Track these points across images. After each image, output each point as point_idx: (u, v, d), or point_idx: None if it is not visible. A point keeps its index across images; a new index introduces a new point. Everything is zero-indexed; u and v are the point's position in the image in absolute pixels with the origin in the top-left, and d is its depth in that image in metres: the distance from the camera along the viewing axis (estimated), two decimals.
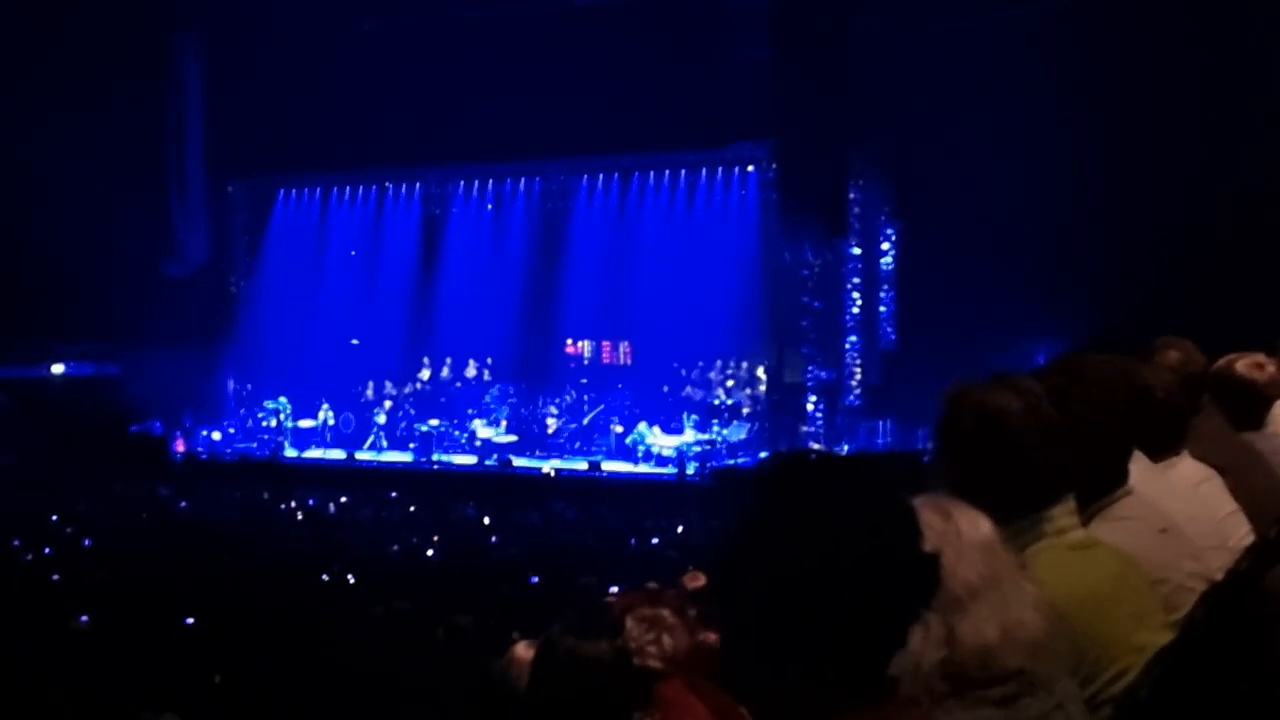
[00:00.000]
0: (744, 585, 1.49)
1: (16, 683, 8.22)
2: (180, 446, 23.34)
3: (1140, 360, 3.48)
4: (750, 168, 23.37)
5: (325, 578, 12.61)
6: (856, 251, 22.76)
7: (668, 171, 24.23)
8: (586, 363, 25.98)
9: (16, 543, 14.52)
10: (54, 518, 16.21)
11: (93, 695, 7.88)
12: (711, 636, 3.77)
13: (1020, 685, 1.83)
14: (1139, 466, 2.85)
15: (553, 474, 21.18)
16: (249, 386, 25.19)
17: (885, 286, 22.83)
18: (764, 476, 1.63)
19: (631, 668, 3.44)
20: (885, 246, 22.80)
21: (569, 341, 26.13)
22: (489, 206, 26.37)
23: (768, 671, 1.49)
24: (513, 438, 23.32)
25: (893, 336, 22.79)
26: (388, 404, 25.31)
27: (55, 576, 12.57)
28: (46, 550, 14.23)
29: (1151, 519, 2.68)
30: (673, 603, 3.67)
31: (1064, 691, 1.89)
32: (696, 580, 4.18)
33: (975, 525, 1.91)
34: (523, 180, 25.33)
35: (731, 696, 2.27)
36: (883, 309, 22.87)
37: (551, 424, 23.70)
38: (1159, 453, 3.19)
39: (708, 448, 22.11)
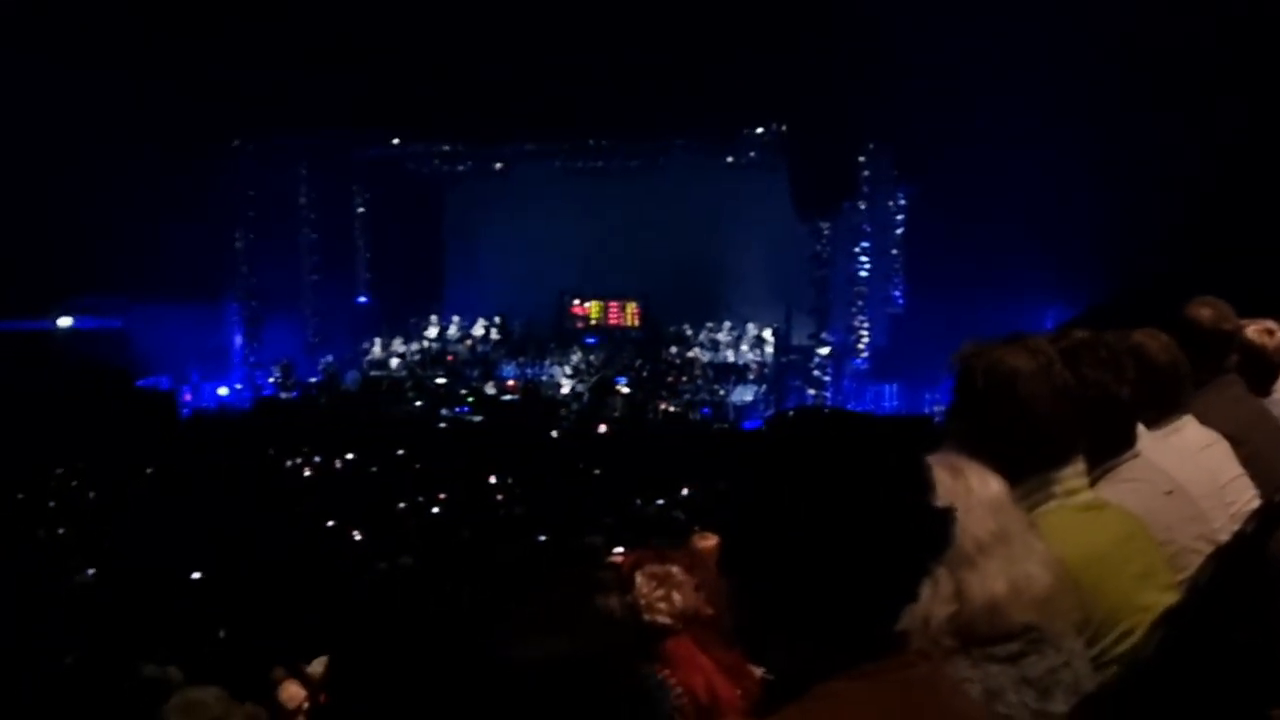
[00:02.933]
0: (756, 540, 1.49)
1: (24, 635, 8.27)
2: (187, 400, 23.39)
3: (1172, 316, 3.48)
4: (760, 130, 23.24)
5: (331, 533, 12.67)
6: (865, 216, 22.75)
7: (679, 139, 24.04)
8: (594, 323, 26.03)
9: (21, 496, 14.58)
10: (59, 470, 16.26)
11: (97, 647, 7.91)
12: (707, 600, 3.79)
13: (1028, 642, 1.82)
14: (1143, 431, 2.85)
15: (557, 434, 21.18)
16: (255, 343, 25.19)
17: (893, 251, 22.82)
18: (777, 432, 1.62)
19: (640, 623, 3.44)
20: (894, 211, 22.77)
21: (576, 302, 26.19)
22: (497, 166, 26.30)
23: (780, 626, 1.48)
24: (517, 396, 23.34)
25: (900, 301, 22.79)
26: (395, 361, 25.38)
27: (60, 530, 12.63)
28: (51, 503, 14.29)
29: (1158, 482, 2.67)
30: (682, 560, 3.67)
31: (1070, 649, 1.88)
32: (706, 540, 4.18)
33: (985, 483, 1.90)
34: (530, 145, 25.14)
35: (743, 652, 2.26)
36: (891, 273, 22.86)
37: (560, 384, 23.71)
38: (1161, 417, 3.19)
39: None
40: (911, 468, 1.48)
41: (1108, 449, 2.62)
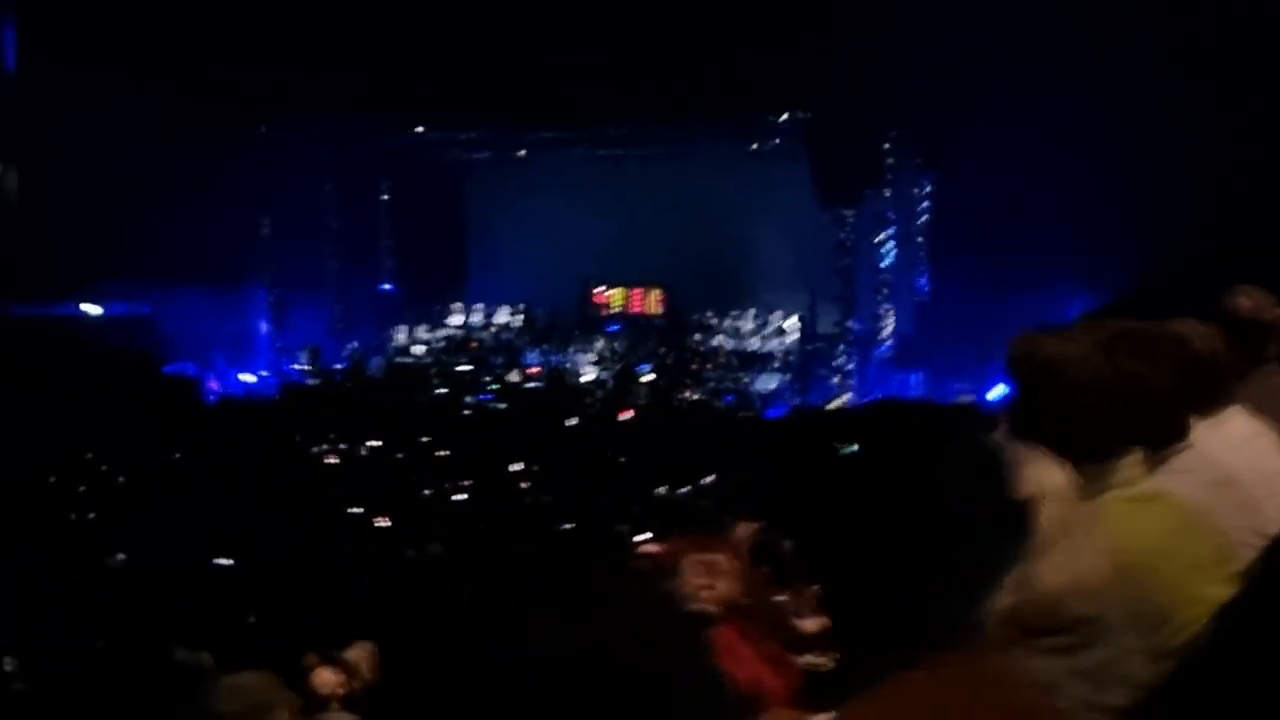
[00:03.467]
0: (841, 534, 1.48)
1: (55, 619, 8.33)
2: (214, 387, 23.47)
3: (1208, 306, 3.45)
4: (783, 117, 23.15)
5: (358, 521, 12.71)
6: (889, 203, 22.66)
7: (701, 126, 23.94)
8: (617, 311, 26.05)
9: (53, 480, 14.68)
10: (88, 455, 16.34)
11: (128, 632, 7.97)
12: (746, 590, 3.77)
13: (1085, 634, 1.81)
14: (1194, 422, 2.83)
15: (581, 422, 21.17)
16: (281, 329, 25.28)
17: (918, 238, 22.72)
18: (860, 422, 1.62)
19: (685, 612, 3.43)
20: (919, 198, 22.66)
21: (599, 289, 26.21)
22: (520, 153, 26.32)
23: (862, 620, 1.48)
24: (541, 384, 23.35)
25: (925, 289, 22.68)
26: (419, 348, 25.45)
27: (91, 515, 12.71)
28: (81, 488, 14.38)
29: (1210, 473, 2.65)
30: (727, 549, 3.65)
31: (1127, 642, 1.87)
32: (748, 529, 4.16)
33: (1049, 474, 1.88)
34: (553, 132, 25.10)
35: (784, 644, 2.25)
36: (916, 261, 22.76)
37: (584, 372, 23.71)
38: (1206, 409, 3.16)
39: None
40: (997, 459, 1.48)
41: (1159, 440, 2.60)
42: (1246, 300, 4.03)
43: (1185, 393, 2.79)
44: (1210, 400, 3.21)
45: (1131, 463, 2.27)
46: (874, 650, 1.50)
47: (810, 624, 3.34)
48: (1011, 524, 1.47)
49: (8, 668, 7.43)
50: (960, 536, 1.43)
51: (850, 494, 1.48)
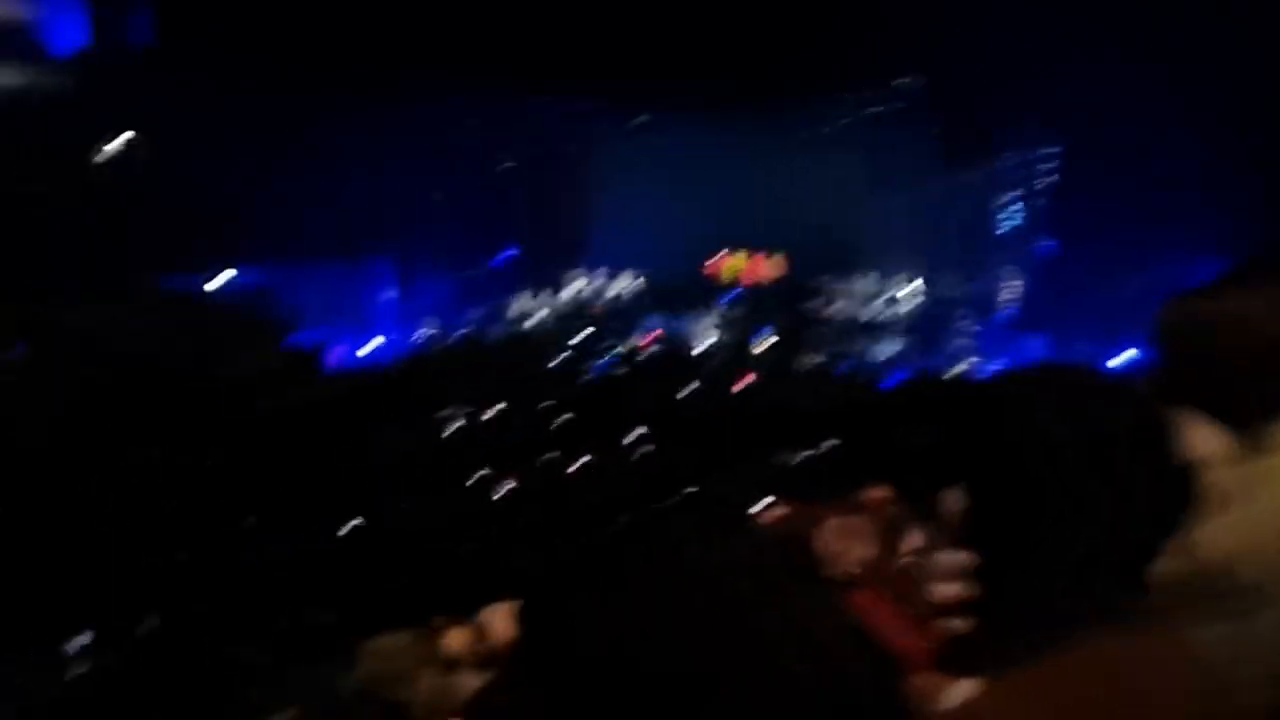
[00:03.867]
0: (1010, 500, 1.44)
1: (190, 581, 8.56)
2: (336, 356, 23.89)
3: None
4: (906, 80, 22.80)
5: (480, 484, 12.85)
6: (1013, 166, 22.23)
7: (823, 90, 23.65)
8: (736, 277, 25.95)
9: (185, 446, 15.05)
10: (217, 422, 16.72)
11: (260, 594, 8.15)
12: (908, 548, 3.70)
13: (1255, 600, 1.73)
14: None
15: (699, 388, 21.12)
16: (403, 298, 25.63)
17: (1041, 199, 22.27)
18: (1019, 385, 1.57)
19: (827, 576, 3.37)
20: (1043, 159, 22.20)
21: (718, 255, 26.13)
22: (641, 120, 26.27)
23: (1028, 587, 1.43)
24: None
25: (1049, 250, 22.25)
26: (539, 315, 25.62)
27: (223, 480, 13.00)
28: (212, 454, 14.72)
29: None
30: (863, 512, 3.59)
31: None
32: (878, 492, 4.09)
33: (1212, 439, 1.80)
34: (677, 98, 24.98)
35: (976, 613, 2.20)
36: (1040, 224, 22.33)
37: (703, 338, 23.67)
38: None
39: None
40: (1162, 424, 1.42)
41: None
42: None
43: None
44: None
45: None
46: (1025, 619, 1.46)
47: (950, 589, 3.27)
48: (1174, 489, 1.41)
49: (144, 631, 7.65)
50: (1121, 502, 1.38)
51: (1005, 460, 1.44)
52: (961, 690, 1.64)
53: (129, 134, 22.08)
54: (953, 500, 1.61)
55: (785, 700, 0.99)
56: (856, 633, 1.07)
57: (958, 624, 3.29)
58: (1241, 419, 1.91)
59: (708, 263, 26.04)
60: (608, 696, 1.00)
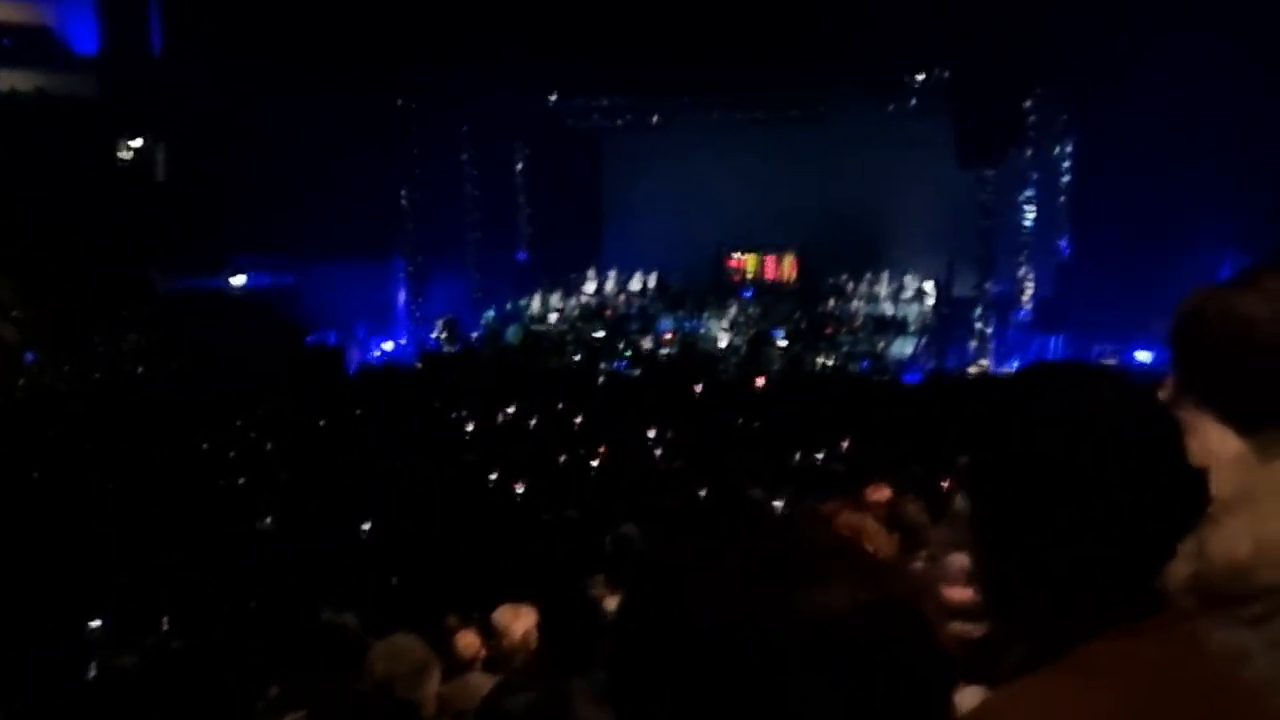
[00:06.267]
0: (1007, 498, 1.42)
1: (208, 581, 8.58)
2: (354, 356, 23.99)
3: None
4: (922, 76, 22.73)
5: (495, 485, 12.87)
6: (1031, 163, 22.14)
7: (841, 88, 23.59)
8: (751, 276, 25.94)
9: (205, 446, 15.15)
10: (238, 423, 16.83)
11: (277, 594, 8.17)
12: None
13: (1274, 603, 1.70)
14: None
15: (715, 388, 21.12)
16: (419, 298, 25.72)
17: (1060, 199, 22.18)
18: (1029, 385, 1.55)
19: None
20: (1061, 158, 22.11)
21: (733, 255, 26.12)
22: (655, 119, 26.30)
23: (1039, 588, 1.42)
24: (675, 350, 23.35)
25: (1067, 250, 22.16)
26: (554, 316, 25.65)
27: (241, 480, 13.08)
28: (231, 454, 14.81)
29: None
30: (876, 511, 3.58)
31: None
32: (881, 492, 4.09)
33: (1225, 440, 1.78)
34: (689, 98, 25.01)
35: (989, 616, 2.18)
36: (1058, 222, 22.24)
37: (718, 338, 23.64)
38: None
39: None
40: (1170, 424, 1.41)
41: None
42: None
43: None
44: None
45: None
46: (1035, 623, 1.44)
47: (958, 592, 3.25)
48: (1185, 491, 1.40)
49: (165, 627, 7.69)
50: (1132, 504, 1.37)
51: (1013, 461, 1.43)
52: (972, 695, 1.63)
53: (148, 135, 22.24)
54: (964, 502, 1.59)
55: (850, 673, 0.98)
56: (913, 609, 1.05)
57: (969, 628, 3.27)
58: (1253, 421, 1.89)
59: (723, 262, 26.02)
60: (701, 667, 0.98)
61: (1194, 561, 1.65)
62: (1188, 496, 1.39)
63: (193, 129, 21.40)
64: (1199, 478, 1.40)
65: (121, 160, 22.65)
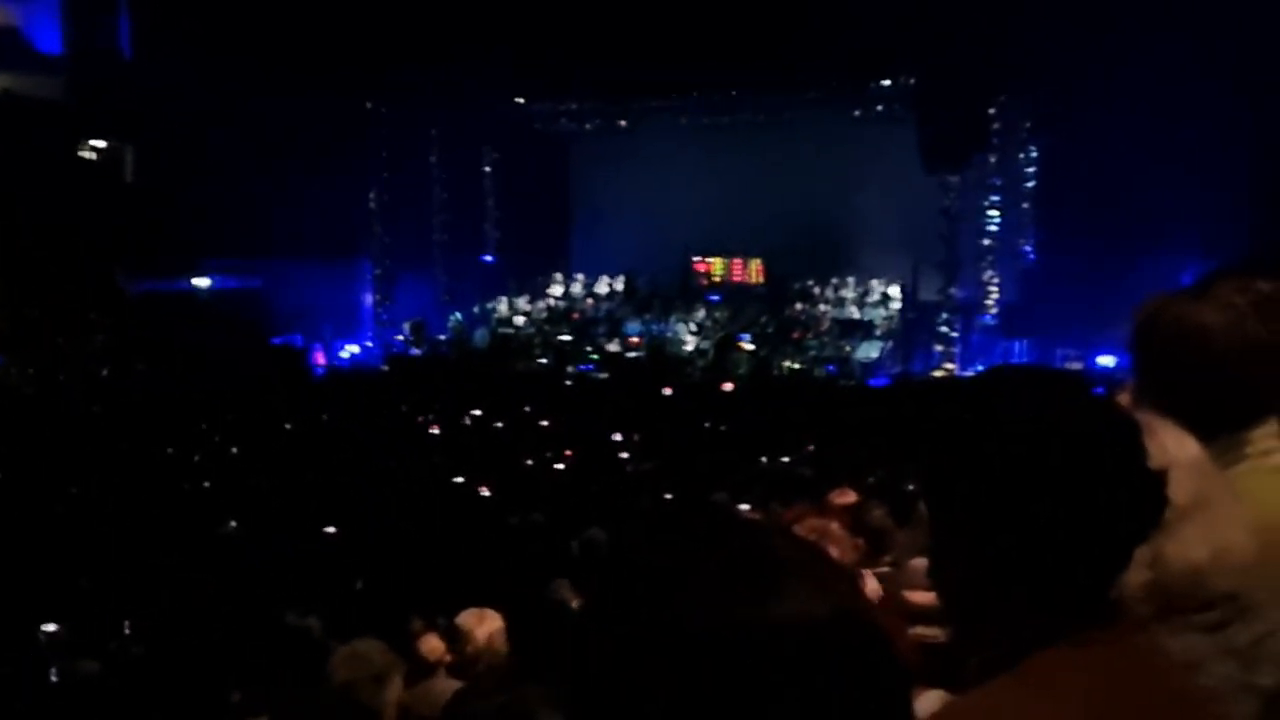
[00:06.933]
0: (964, 502, 1.42)
1: (171, 585, 8.52)
2: (320, 359, 23.89)
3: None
4: (888, 82, 22.86)
5: (461, 489, 12.82)
6: (995, 169, 22.30)
7: (807, 93, 23.69)
8: (718, 280, 25.98)
9: (170, 449, 15.03)
10: (203, 425, 16.71)
11: (241, 598, 8.12)
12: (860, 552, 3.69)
13: (1230, 611, 1.72)
14: None
15: (681, 392, 21.14)
16: (386, 301, 25.64)
17: (1024, 204, 22.34)
18: (986, 388, 1.55)
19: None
20: (1025, 163, 22.28)
21: (700, 258, 26.16)
22: (623, 123, 26.32)
23: (993, 594, 1.42)
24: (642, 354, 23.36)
25: (1031, 255, 22.33)
26: (521, 319, 25.62)
27: (206, 483, 12.98)
28: (196, 458, 14.70)
29: None
30: (839, 516, 3.59)
31: (1276, 619, 1.77)
32: (846, 496, 4.10)
33: (1182, 444, 1.79)
34: (657, 102, 25.05)
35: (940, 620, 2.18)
36: (1021, 227, 22.41)
37: (685, 341, 23.65)
38: None
39: None
40: (1127, 429, 1.41)
41: None
42: None
43: None
44: None
45: (1268, 433, 2.16)
46: (993, 629, 1.44)
47: (921, 596, 3.25)
48: (1141, 497, 1.41)
49: (127, 632, 7.62)
50: (1088, 509, 1.37)
51: (969, 465, 1.42)
52: (933, 700, 1.63)
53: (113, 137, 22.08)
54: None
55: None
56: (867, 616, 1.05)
57: (933, 632, 3.28)
58: (1208, 428, 1.91)
59: (690, 266, 26.05)
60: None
61: (1151, 569, 1.66)
62: (1146, 501, 1.40)
63: (161, 130, 21.23)
64: (1157, 482, 1.40)
65: (88, 161, 22.47)
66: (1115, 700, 1.32)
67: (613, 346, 23.54)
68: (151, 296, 21.95)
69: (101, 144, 22.53)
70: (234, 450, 15.34)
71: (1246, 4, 15.84)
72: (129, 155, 22.69)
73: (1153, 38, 16.91)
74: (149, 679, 6.54)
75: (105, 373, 20.36)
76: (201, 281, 23.13)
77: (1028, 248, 22.32)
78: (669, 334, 23.97)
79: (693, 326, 24.04)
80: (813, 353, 22.68)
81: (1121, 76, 17.58)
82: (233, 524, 10.77)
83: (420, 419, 18.19)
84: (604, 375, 22.69)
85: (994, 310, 22.46)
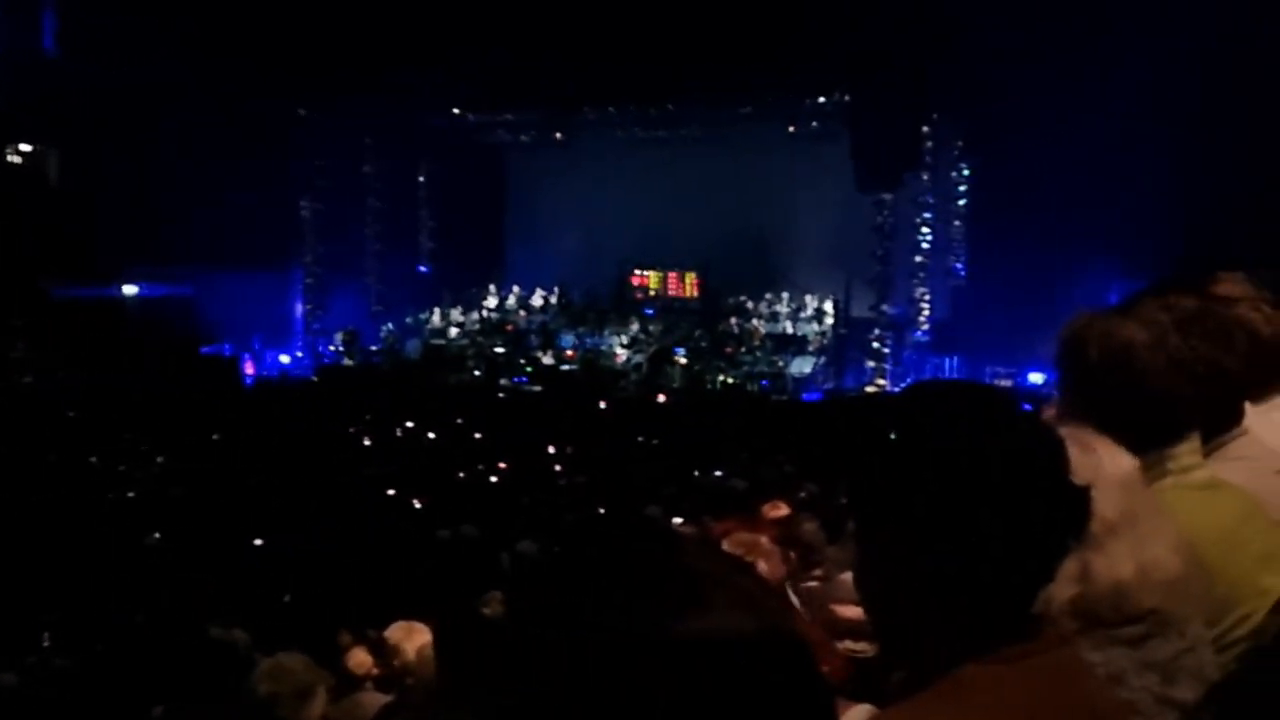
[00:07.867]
0: (887, 516, 1.42)
1: (93, 596, 8.37)
2: (250, 368, 23.61)
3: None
4: (822, 100, 23.06)
5: (392, 501, 12.73)
6: (928, 187, 22.55)
7: (743, 109, 23.83)
8: (653, 294, 26.03)
9: (93, 460, 14.78)
10: (128, 435, 16.45)
11: (165, 609, 8.00)
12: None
13: (1152, 626, 1.74)
14: (1247, 407, 2.73)
15: (615, 405, 21.14)
16: (317, 310, 25.42)
17: (956, 222, 22.61)
18: (909, 403, 1.56)
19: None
20: (957, 182, 22.54)
21: (635, 272, 26.19)
22: (558, 136, 26.33)
23: (913, 609, 1.42)
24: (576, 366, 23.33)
25: (962, 273, 22.59)
26: (455, 330, 25.50)
27: (130, 494, 12.78)
28: (121, 468, 14.47)
29: (1268, 459, 2.55)
30: (770, 530, 3.59)
31: (1195, 634, 1.80)
32: (778, 510, 4.11)
33: (1115, 460, 1.81)
34: (594, 115, 25.06)
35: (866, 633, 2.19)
36: (953, 245, 22.67)
37: (619, 354, 23.66)
38: (1262, 393, 3.07)
39: None
40: (1050, 443, 1.42)
41: (1217, 425, 2.51)
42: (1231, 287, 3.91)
43: (1248, 376, 2.69)
44: (1266, 385, 3.12)
45: (1190, 449, 2.19)
46: (918, 643, 1.45)
47: (850, 611, 3.27)
48: (1066, 512, 1.41)
49: (47, 643, 7.48)
50: (1012, 524, 1.38)
51: (894, 479, 1.43)
52: (858, 715, 1.64)
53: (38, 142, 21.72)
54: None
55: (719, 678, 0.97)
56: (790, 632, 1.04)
57: (861, 646, 3.30)
58: (1135, 444, 1.94)
59: (625, 279, 26.09)
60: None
61: (1077, 584, 1.68)
62: (1071, 516, 1.41)
63: (87, 134, 20.89)
64: (1081, 497, 1.41)
65: (12, 165, 22.05)
66: (1038, 714, 1.33)
67: (547, 359, 23.49)
68: (77, 303, 21.55)
69: (26, 147, 22.12)
70: (160, 460, 15.11)
71: (1170, 32, 16.14)
72: (54, 159, 22.28)
73: (1081, 63, 17.23)
74: (69, 692, 6.42)
75: (27, 380, 19.99)
76: (129, 289, 22.77)
77: (959, 265, 22.58)
78: (603, 347, 23.98)
79: (627, 340, 24.06)
80: (746, 367, 22.78)
81: (1052, 100, 17.87)
82: (157, 535, 10.62)
83: (351, 430, 18.04)
84: (537, 388, 22.63)
85: (925, 327, 22.69)
